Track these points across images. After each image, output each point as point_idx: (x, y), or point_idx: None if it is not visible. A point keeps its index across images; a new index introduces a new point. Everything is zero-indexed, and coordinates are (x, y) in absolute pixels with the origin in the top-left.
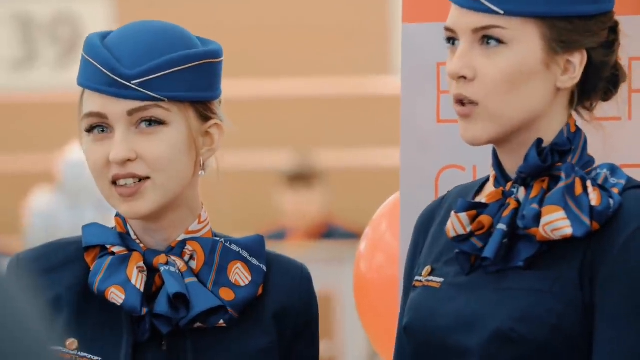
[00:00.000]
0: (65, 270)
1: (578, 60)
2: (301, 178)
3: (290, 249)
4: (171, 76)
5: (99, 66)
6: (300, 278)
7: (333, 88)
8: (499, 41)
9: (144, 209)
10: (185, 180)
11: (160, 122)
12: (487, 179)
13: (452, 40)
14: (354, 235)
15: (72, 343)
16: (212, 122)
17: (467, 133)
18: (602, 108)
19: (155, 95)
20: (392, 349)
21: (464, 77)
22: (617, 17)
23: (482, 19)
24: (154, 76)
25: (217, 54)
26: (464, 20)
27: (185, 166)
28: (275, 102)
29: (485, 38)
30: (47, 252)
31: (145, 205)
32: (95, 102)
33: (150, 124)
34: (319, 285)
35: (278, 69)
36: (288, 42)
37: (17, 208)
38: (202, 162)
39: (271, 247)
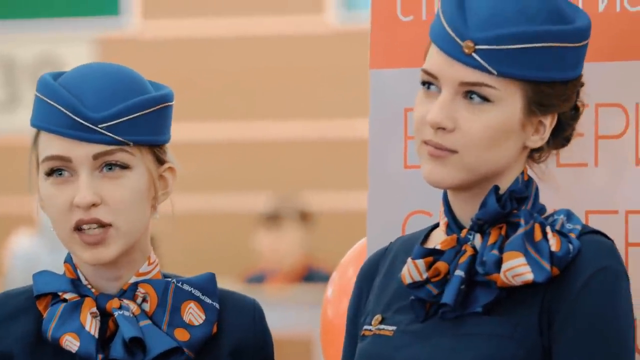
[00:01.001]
0: (15, 322)
1: (549, 122)
2: (276, 220)
3: (269, 292)
4: (135, 120)
5: (61, 108)
6: (253, 315)
7: (313, 131)
8: (484, 99)
9: (108, 256)
10: (144, 224)
11: (124, 167)
12: (433, 228)
13: (427, 84)
14: None
15: None
16: (166, 165)
17: (434, 174)
18: (569, 154)
19: (122, 140)
20: None
21: (443, 128)
22: (585, 64)
23: (472, 75)
24: (120, 120)
25: (170, 97)
26: (451, 71)
27: (145, 210)
28: (254, 145)
29: (470, 93)
30: None
31: (109, 252)
32: (56, 145)
33: (112, 169)
34: (298, 329)
35: (258, 113)
36: (268, 86)
37: None
38: (157, 206)
39: (250, 290)
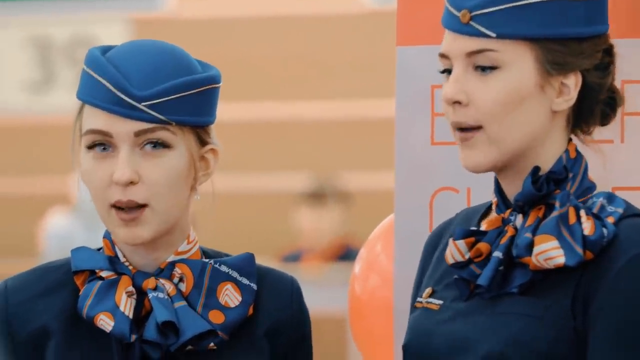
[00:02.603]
0: (54, 296)
1: (572, 82)
2: (318, 198)
3: (305, 271)
4: (179, 100)
5: (106, 83)
6: (290, 293)
7: (349, 111)
8: (493, 67)
9: (143, 236)
10: (183, 205)
11: (165, 145)
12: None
13: (447, 71)
14: None
15: None
16: (208, 146)
17: (468, 160)
18: (595, 131)
19: (164, 118)
20: None
21: (459, 103)
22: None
23: (474, 43)
24: (163, 99)
25: (217, 79)
26: (456, 44)
27: (183, 191)
28: (294, 125)
29: (479, 67)
30: (35, 278)
31: (144, 232)
32: (99, 120)
33: (155, 146)
34: (333, 308)
35: (296, 93)
36: (307, 66)
37: (33, 231)
38: (198, 186)
39: (286, 269)
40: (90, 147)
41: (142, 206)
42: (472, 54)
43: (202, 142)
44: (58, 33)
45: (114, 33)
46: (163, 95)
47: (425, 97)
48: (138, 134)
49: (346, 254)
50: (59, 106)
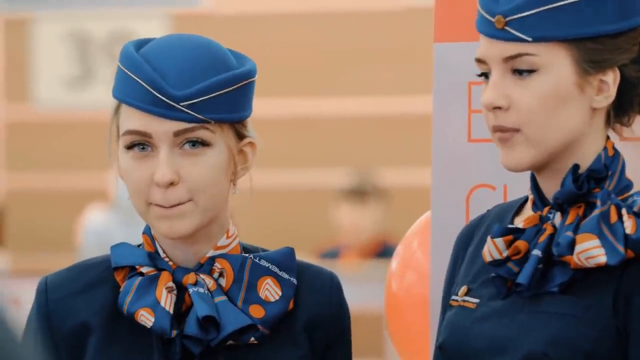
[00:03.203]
0: (94, 292)
1: (611, 79)
2: (358, 195)
3: (343, 268)
4: (217, 98)
5: (143, 83)
6: (330, 288)
7: (390, 107)
8: (531, 71)
9: (184, 229)
10: (223, 200)
11: (204, 144)
12: (526, 200)
13: (485, 75)
14: None
15: None
16: (246, 140)
17: (508, 159)
18: (633, 128)
19: (203, 118)
20: None
21: (499, 108)
22: None
23: (511, 48)
24: (202, 98)
25: (253, 73)
26: (493, 50)
27: (223, 186)
28: (334, 121)
29: (517, 71)
30: (73, 275)
31: (185, 225)
32: (138, 120)
33: (194, 145)
34: (371, 304)
35: (334, 89)
36: (346, 62)
37: (71, 226)
38: (236, 180)
39: (325, 265)
40: (129, 147)
41: (186, 201)
42: (509, 58)
43: (240, 136)
44: (97, 29)
45: (152, 29)
46: (201, 94)
47: (462, 93)
48: (177, 134)
49: (384, 251)
50: (97, 102)
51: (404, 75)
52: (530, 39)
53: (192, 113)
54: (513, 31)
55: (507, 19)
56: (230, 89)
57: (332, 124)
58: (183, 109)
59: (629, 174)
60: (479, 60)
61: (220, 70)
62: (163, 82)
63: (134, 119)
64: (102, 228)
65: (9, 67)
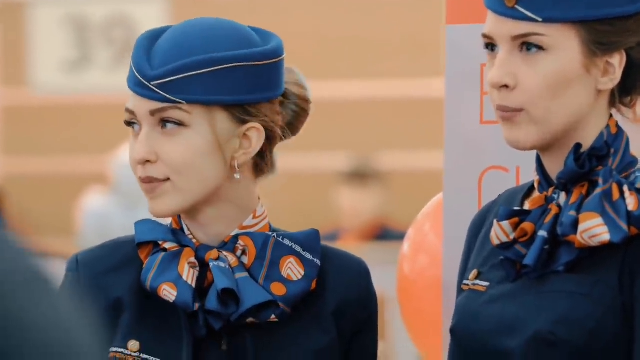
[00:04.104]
0: (123, 271)
1: (617, 61)
2: (358, 178)
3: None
4: (193, 79)
5: (132, 64)
6: (358, 274)
7: (390, 91)
8: (539, 47)
9: (164, 208)
10: (211, 183)
11: (179, 124)
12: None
13: (491, 46)
14: None
15: (134, 345)
16: (249, 124)
17: (511, 136)
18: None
19: (172, 98)
20: (435, 350)
21: (506, 86)
22: None
23: (520, 27)
24: (172, 78)
25: (264, 56)
26: (502, 27)
27: (208, 169)
28: (334, 105)
29: (525, 45)
30: (105, 253)
31: (165, 205)
32: (130, 99)
33: (171, 125)
34: None
35: (336, 73)
36: (346, 46)
37: (70, 210)
38: (237, 164)
39: None
40: (128, 125)
41: (163, 181)
42: (518, 37)
43: (241, 121)
44: (94, 12)
45: (151, 13)
46: (171, 74)
47: (475, 75)
48: (153, 113)
49: (383, 234)
50: (95, 86)
51: (405, 59)
52: (540, 19)
53: (162, 93)
54: (523, 10)
55: None
56: (210, 69)
57: (333, 108)
58: (154, 88)
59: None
60: (486, 36)
61: (211, 50)
62: (146, 63)
63: (129, 99)
64: (102, 212)
65: (6, 52)
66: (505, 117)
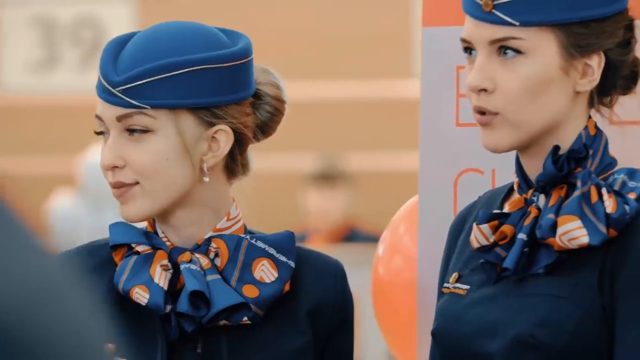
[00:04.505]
0: (99, 275)
1: (596, 63)
2: (326, 179)
3: None
4: (157, 83)
5: (99, 70)
6: (334, 275)
7: (357, 91)
8: (517, 51)
9: (134, 212)
10: (180, 186)
11: (144, 130)
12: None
13: (469, 50)
14: (375, 239)
15: (109, 348)
16: (217, 127)
17: (488, 140)
18: (621, 112)
19: (137, 103)
20: (410, 352)
21: (484, 90)
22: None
23: (498, 31)
24: (136, 83)
25: (230, 57)
26: (479, 32)
27: (177, 173)
28: (301, 106)
29: (503, 49)
30: (82, 257)
31: (135, 209)
32: (99, 106)
33: (135, 131)
34: None
35: (303, 72)
36: (313, 46)
37: (38, 211)
38: (206, 167)
39: None
40: (98, 133)
41: (132, 185)
42: (495, 41)
43: (208, 123)
44: (62, 13)
45: (118, 14)
46: (135, 79)
47: (451, 78)
48: (119, 119)
49: (351, 236)
50: (62, 87)
51: (373, 60)
52: (517, 23)
53: (126, 98)
54: (501, 15)
55: (495, 2)
56: (174, 73)
57: (300, 109)
58: (118, 94)
59: (619, 156)
60: (464, 41)
61: (176, 54)
62: (111, 69)
63: (98, 105)
64: (70, 213)
65: None
66: (483, 121)
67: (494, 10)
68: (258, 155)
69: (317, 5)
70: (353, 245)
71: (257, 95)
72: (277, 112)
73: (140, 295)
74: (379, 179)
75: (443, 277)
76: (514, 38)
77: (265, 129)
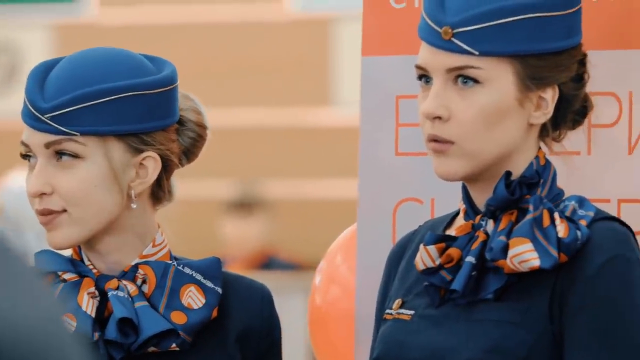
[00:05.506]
0: None
1: (550, 96)
2: (243, 207)
3: None
4: (86, 110)
5: (25, 97)
6: (261, 300)
7: (275, 118)
8: (474, 80)
9: (60, 239)
10: (108, 213)
11: (74, 156)
12: (458, 213)
13: (424, 77)
14: (292, 267)
15: None
16: (145, 154)
17: (441, 169)
18: (563, 143)
19: (66, 130)
20: None
21: (439, 118)
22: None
23: (456, 59)
24: (65, 110)
25: (156, 84)
26: (436, 59)
27: (105, 200)
28: (219, 132)
29: (460, 77)
30: None
31: (62, 236)
32: (24, 132)
33: (66, 157)
34: None
35: (221, 99)
36: (230, 73)
37: None
38: (134, 194)
39: None
40: (24, 157)
41: (60, 212)
42: (453, 69)
43: (136, 150)
44: None
45: (35, 39)
46: (64, 106)
47: (390, 107)
48: (48, 145)
49: (268, 263)
50: None
51: (291, 86)
52: (476, 52)
53: (55, 125)
54: (460, 43)
55: (455, 30)
56: (102, 100)
57: (217, 135)
58: (47, 121)
59: (559, 186)
60: (420, 68)
61: (96, 82)
62: (38, 95)
63: (24, 131)
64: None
65: None
66: (437, 149)
67: (453, 39)
68: (177, 182)
69: (235, 32)
70: (270, 273)
71: (181, 122)
72: (199, 138)
73: (68, 324)
74: (298, 206)
75: (382, 305)
76: (472, 67)
77: (188, 154)
